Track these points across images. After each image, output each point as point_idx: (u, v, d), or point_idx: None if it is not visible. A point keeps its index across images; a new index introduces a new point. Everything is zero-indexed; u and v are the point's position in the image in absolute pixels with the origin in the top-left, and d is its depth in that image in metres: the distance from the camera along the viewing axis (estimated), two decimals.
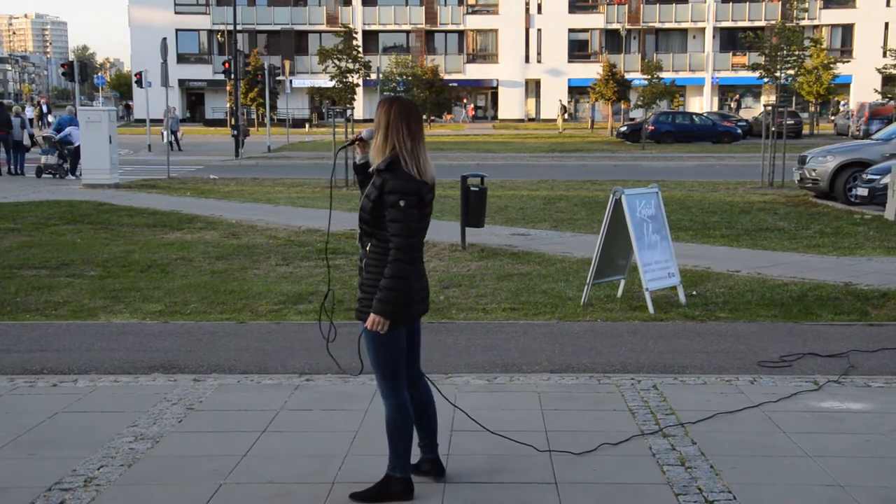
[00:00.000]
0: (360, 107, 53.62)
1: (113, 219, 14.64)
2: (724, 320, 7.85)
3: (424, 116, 53.07)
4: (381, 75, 48.36)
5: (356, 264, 4.95)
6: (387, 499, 4.11)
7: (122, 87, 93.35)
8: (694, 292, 8.82)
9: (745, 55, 56.21)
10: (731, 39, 62.50)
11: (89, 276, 9.98)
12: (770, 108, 21.75)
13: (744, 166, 27.13)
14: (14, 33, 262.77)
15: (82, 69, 28.16)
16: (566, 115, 56.20)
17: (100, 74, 69.61)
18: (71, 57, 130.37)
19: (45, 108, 63.79)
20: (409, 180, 3.86)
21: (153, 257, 11.14)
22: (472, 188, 11.30)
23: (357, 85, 34.32)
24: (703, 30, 63.61)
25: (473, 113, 64.76)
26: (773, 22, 50.43)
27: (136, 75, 41.84)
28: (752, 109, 58.19)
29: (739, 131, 42.04)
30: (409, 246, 3.85)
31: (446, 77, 57.64)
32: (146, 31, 57.88)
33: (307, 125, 58.47)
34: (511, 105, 64.42)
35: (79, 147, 21.69)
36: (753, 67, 33.78)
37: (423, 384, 4.35)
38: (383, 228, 3.89)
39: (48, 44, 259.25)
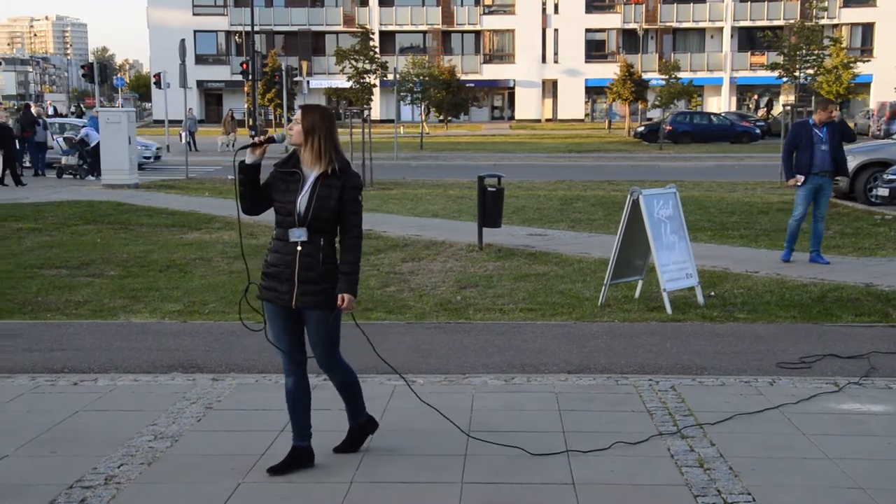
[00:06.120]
0: (377, 107, 53.67)
1: (132, 219, 14.74)
2: (742, 321, 7.81)
3: (441, 117, 53.35)
4: (397, 76, 48.36)
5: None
6: (364, 437, 4.78)
7: (142, 88, 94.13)
8: (712, 293, 8.77)
9: (763, 55, 55.74)
10: (749, 39, 62.10)
11: (109, 276, 10.06)
12: (790, 108, 21.61)
13: (762, 166, 26.93)
14: (35, 35, 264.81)
15: (102, 71, 28.44)
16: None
17: (119, 76, 70.14)
18: (91, 58, 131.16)
19: (51, 111, 65.15)
20: (360, 178, 4.45)
21: (172, 257, 11.20)
22: (489, 188, 11.29)
23: (374, 85, 34.35)
24: (720, 29, 63.28)
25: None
26: (792, 21, 50.08)
27: (154, 76, 42.09)
28: (772, 109, 57.78)
29: (758, 131, 41.80)
30: (362, 231, 4.40)
31: (463, 77, 57.51)
32: (165, 32, 58.18)
33: None
34: (528, 105, 64.33)
35: (97, 147, 21.85)
36: (772, 67, 33.56)
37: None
38: (337, 223, 4.34)
39: (68, 45, 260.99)
